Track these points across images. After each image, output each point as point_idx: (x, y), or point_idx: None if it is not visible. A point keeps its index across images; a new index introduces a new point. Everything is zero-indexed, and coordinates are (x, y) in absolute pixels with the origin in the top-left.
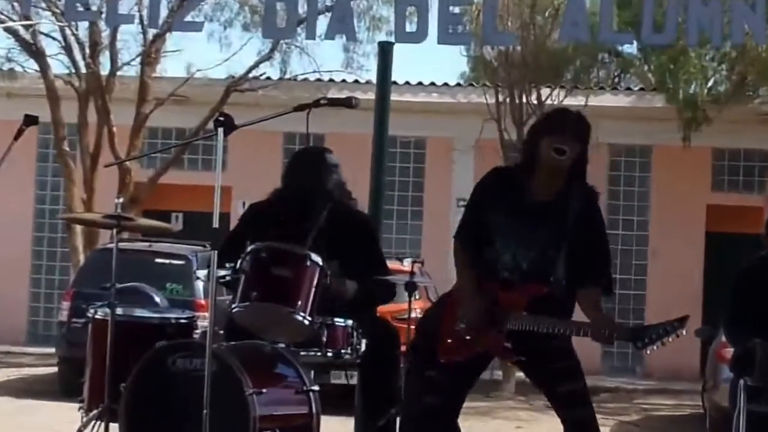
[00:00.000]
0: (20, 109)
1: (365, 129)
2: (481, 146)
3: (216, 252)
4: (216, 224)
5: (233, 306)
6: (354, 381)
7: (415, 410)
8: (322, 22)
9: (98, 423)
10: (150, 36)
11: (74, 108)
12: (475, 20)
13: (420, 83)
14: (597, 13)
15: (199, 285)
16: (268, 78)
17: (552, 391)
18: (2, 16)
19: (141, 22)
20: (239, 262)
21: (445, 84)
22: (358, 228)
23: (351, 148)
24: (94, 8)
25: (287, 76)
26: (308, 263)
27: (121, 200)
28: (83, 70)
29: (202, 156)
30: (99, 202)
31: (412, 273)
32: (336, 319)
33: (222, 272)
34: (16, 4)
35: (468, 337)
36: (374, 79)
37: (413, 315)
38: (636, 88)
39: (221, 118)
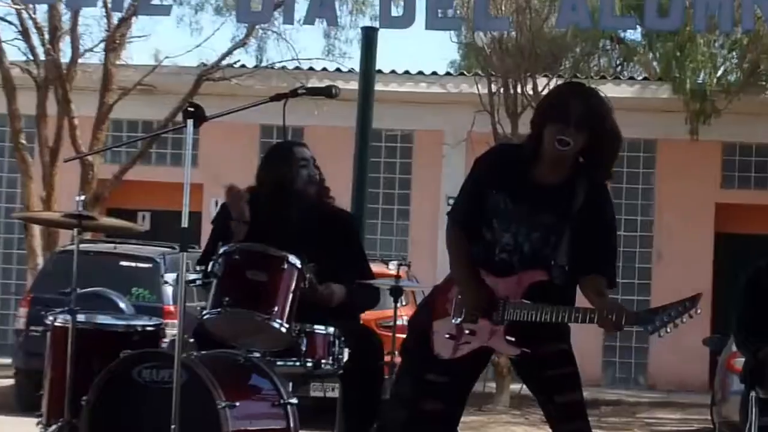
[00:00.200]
0: None
1: (347, 121)
2: (472, 140)
3: (185, 253)
4: (185, 224)
5: (204, 312)
6: (335, 393)
7: (409, 416)
8: (302, 6)
9: None
10: (114, 20)
11: (32, 98)
12: (466, 4)
13: (407, 72)
14: None
15: (168, 290)
16: (243, 66)
17: (549, 400)
18: None
19: (104, 5)
20: (211, 265)
21: (434, 73)
22: (339, 227)
23: (332, 142)
24: None
25: (263, 64)
26: (285, 266)
27: (83, 198)
28: (42, 57)
29: (171, 150)
30: (59, 200)
31: (398, 277)
32: (316, 327)
33: (192, 276)
34: None
35: (467, 331)
36: (357, 68)
37: (399, 322)
38: (640, 78)
39: (191, 109)
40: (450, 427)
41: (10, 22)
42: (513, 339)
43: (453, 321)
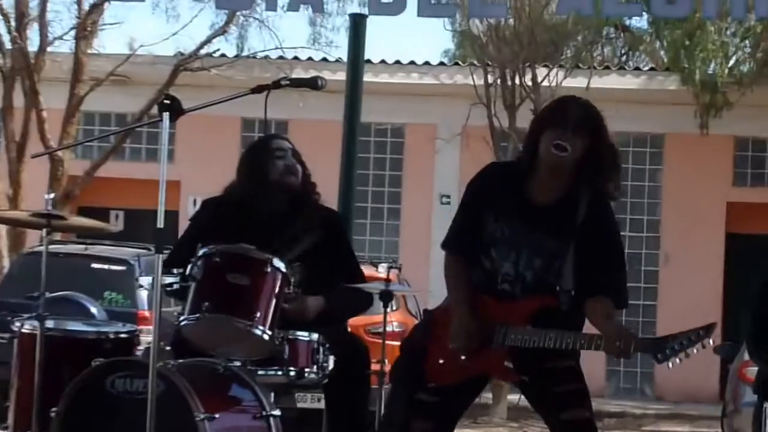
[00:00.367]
0: None
1: (334, 114)
2: (467, 134)
3: (161, 256)
4: (161, 224)
5: (182, 318)
6: (320, 404)
7: None
8: None
9: None
10: (85, 6)
11: None
12: None
13: (398, 62)
14: None
15: (142, 294)
16: (223, 55)
17: (554, 418)
18: None
19: None
20: (189, 267)
21: (427, 63)
22: (326, 227)
23: (318, 137)
24: None
25: (245, 53)
26: (268, 269)
27: (52, 196)
28: (8, 45)
29: (146, 145)
30: (26, 199)
31: (388, 280)
32: (299, 334)
33: (169, 279)
34: None
35: (463, 357)
36: (345, 57)
37: (389, 328)
38: (646, 68)
39: (168, 102)
40: None
41: None
42: (511, 365)
43: (449, 346)
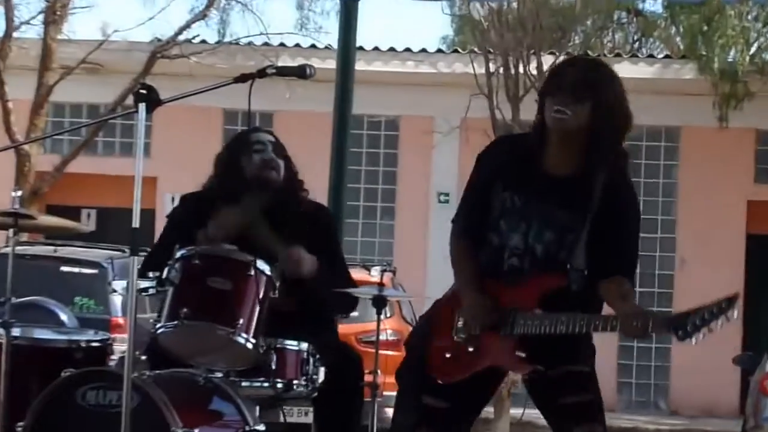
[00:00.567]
0: None
1: (324, 106)
2: (467, 127)
3: (136, 258)
4: (136, 224)
5: (158, 326)
6: (309, 418)
7: None
8: None
9: None
10: None
11: None
12: None
13: (392, 49)
14: None
15: (116, 300)
16: (203, 42)
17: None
18: None
19: None
20: (166, 270)
21: (423, 50)
22: (314, 225)
23: (306, 130)
24: None
25: (227, 39)
26: (252, 272)
27: (19, 193)
28: None
29: (120, 138)
30: None
31: (381, 285)
32: (287, 342)
33: (144, 283)
34: None
35: (471, 349)
36: (335, 44)
37: (383, 337)
38: (661, 56)
39: (144, 91)
40: None
41: None
42: (524, 355)
43: (454, 338)
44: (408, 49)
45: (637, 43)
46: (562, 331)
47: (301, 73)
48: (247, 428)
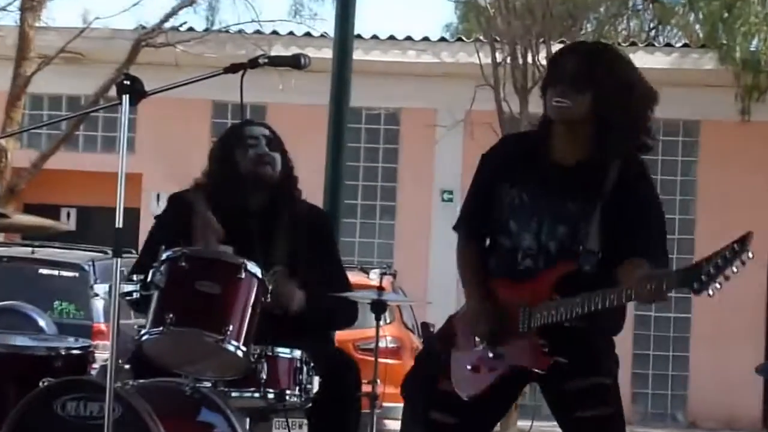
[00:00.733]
0: None
1: (319, 98)
2: (472, 121)
3: (119, 260)
4: (120, 223)
5: (143, 332)
6: (303, 431)
7: None
8: None
9: None
10: None
11: None
12: None
13: (392, 38)
14: None
15: (98, 304)
16: (191, 29)
17: None
18: None
19: None
20: (151, 273)
21: (426, 39)
22: (310, 226)
23: (300, 123)
24: None
25: (216, 26)
26: (243, 275)
27: None
28: None
29: (102, 133)
30: None
31: (380, 289)
32: (279, 350)
33: (128, 287)
34: None
35: (491, 355)
36: (331, 32)
37: (382, 344)
38: (679, 45)
39: (127, 82)
40: None
41: None
42: (545, 345)
43: (475, 349)
44: (409, 38)
45: (654, 31)
46: (578, 312)
47: (295, 63)
48: None
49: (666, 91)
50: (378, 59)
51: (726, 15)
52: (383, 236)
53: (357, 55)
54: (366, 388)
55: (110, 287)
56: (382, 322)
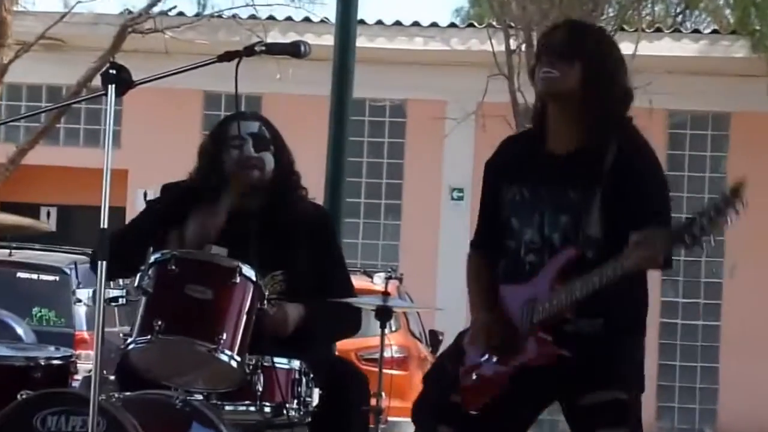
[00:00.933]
0: None
1: (320, 88)
2: (484, 113)
3: (104, 263)
4: (105, 223)
5: (129, 341)
6: None
7: None
8: None
9: None
10: None
11: None
12: None
13: (398, 23)
14: None
15: (80, 311)
16: (181, 14)
17: None
18: None
19: None
20: (139, 277)
21: (434, 24)
22: (311, 226)
23: (299, 115)
24: None
25: (208, 11)
26: (237, 280)
27: None
28: None
29: (86, 126)
30: None
31: (386, 294)
32: (277, 360)
33: (114, 292)
34: None
35: (494, 359)
36: (333, 18)
37: (387, 354)
38: (707, 31)
39: (113, 71)
40: None
41: None
42: (549, 337)
43: (482, 360)
44: (416, 23)
45: (681, 16)
46: (578, 296)
47: (294, 50)
48: None
49: (694, 80)
50: (383, 47)
51: None
52: (388, 237)
53: (360, 42)
54: (371, 401)
55: (94, 292)
56: (387, 330)
